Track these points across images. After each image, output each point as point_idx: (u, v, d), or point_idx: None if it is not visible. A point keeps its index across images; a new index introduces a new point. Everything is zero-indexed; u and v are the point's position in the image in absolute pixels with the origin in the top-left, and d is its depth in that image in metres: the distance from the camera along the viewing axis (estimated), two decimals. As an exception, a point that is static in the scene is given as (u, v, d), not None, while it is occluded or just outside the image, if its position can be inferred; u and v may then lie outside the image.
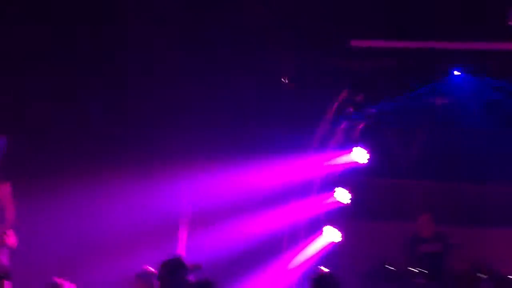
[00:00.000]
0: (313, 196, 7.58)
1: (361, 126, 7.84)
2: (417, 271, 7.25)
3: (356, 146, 7.64)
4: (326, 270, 6.82)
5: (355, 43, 7.25)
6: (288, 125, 7.91)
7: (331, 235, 7.54)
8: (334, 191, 7.57)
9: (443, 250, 7.29)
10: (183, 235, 7.21)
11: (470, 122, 7.65)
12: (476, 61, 7.12)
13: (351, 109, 7.68)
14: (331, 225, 7.58)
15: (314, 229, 7.61)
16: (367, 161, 7.62)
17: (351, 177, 7.78)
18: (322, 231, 7.53)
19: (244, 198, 7.45)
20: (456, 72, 7.25)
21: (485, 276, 6.96)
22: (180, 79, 7.36)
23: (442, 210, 8.20)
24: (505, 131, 7.62)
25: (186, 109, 7.50)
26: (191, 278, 4.13)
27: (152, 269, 4.91)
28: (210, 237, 7.22)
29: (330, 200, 7.59)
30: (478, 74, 7.23)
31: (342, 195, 7.58)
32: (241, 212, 7.49)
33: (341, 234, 7.57)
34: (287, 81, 7.64)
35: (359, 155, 7.60)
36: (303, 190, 7.57)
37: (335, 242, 7.59)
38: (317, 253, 7.52)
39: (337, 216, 7.71)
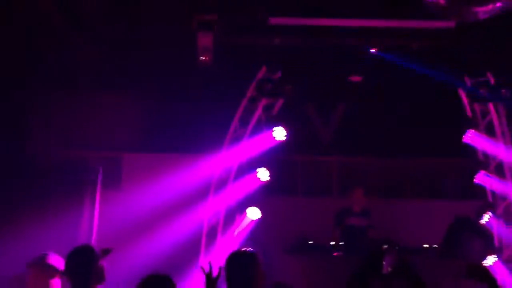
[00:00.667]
0: (232, 182, 7.39)
1: (279, 103, 7.70)
2: (338, 244, 7.32)
3: (275, 123, 7.51)
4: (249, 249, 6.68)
5: (273, 20, 7.05)
6: (208, 106, 7.62)
7: (253, 214, 7.41)
8: (256, 172, 7.42)
9: (368, 225, 7.42)
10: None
11: (384, 99, 7.77)
12: (393, 40, 7.18)
13: (270, 86, 7.50)
14: (253, 204, 7.44)
15: (239, 211, 7.45)
16: (285, 138, 7.51)
17: (271, 155, 7.66)
18: (245, 212, 7.38)
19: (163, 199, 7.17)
20: (372, 50, 7.30)
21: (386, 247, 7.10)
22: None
23: (358, 184, 8.35)
24: (415, 109, 7.81)
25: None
26: (104, 263, 3.71)
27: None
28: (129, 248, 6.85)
29: (251, 180, 7.43)
30: (394, 52, 7.31)
31: (263, 174, 7.45)
32: (160, 215, 7.22)
33: (260, 212, 7.46)
34: (205, 59, 7.28)
35: (279, 133, 7.48)
36: (222, 179, 7.37)
37: (257, 220, 7.48)
38: (242, 234, 7.37)
39: (259, 195, 7.58)
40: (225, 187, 7.36)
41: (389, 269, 5.50)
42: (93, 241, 6.49)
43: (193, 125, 7.98)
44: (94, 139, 8.06)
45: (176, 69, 7.72)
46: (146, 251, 7.13)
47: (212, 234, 7.26)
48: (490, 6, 5.41)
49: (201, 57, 7.36)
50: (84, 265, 3.57)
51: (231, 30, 7.19)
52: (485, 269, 3.28)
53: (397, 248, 6.08)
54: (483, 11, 5.50)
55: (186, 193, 7.36)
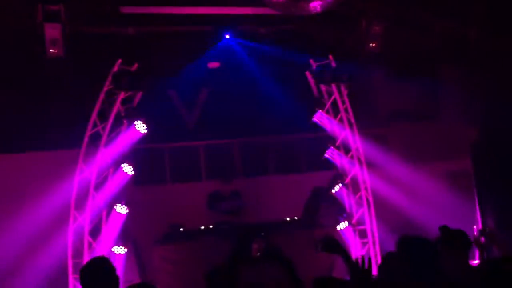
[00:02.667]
0: (97, 181, 6.77)
1: (139, 94, 7.19)
2: (209, 227, 7.17)
3: (136, 116, 7.02)
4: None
5: (125, 9, 6.53)
6: (63, 101, 6.87)
7: (121, 210, 6.91)
8: (121, 167, 6.89)
9: (240, 206, 7.38)
10: None
11: (242, 84, 7.68)
12: (247, 26, 7.08)
13: (127, 79, 6.96)
14: (123, 199, 6.92)
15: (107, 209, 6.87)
16: (146, 130, 7.05)
17: (136, 147, 7.18)
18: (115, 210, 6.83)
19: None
20: (227, 37, 7.14)
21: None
22: None
23: (225, 166, 8.26)
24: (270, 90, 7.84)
25: None
26: None
27: None
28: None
29: (119, 176, 6.88)
30: (249, 39, 7.22)
31: (127, 168, 6.95)
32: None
33: (131, 205, 7.00)
34: (55, 52, 6.48)
35: (139, 126, 7.02)
36: (88, 179, 6.71)
37: (127, 215, 6.99)
38: (114, 231, 6.84)
39: (127, 189, 7.08)
40: (91, 188, 6.72)
41: (258, 253, 5.49)
42: None
43: (50, 121, 7.18)
44: None
45: (25, 63, 6.82)
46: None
47: (80, 237, 6.61)
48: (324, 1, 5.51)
49: (50, 50, 6.58)
50: None
51: (80, 20, 6.49)
52: (336, 242, 3.25)
53: (263, 234, 6.11)
54: (319, 5, 5.60)
55: (48, 197, 6.61)
